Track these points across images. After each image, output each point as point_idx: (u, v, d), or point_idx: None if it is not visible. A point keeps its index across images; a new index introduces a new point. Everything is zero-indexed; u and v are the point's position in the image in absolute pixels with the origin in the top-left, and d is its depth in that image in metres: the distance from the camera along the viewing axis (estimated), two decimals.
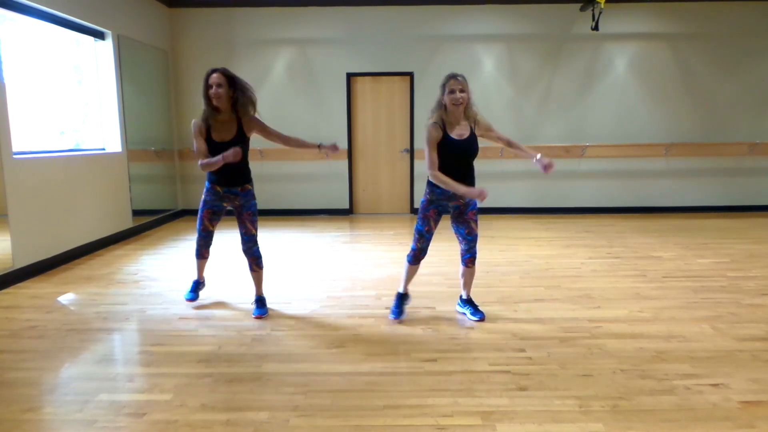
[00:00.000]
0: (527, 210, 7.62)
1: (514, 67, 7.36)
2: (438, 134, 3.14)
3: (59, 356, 2.92)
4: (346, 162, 7.56)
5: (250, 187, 3.50)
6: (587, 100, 7.41)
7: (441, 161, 3.20)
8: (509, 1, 7.18)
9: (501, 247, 5.46)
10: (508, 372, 2.68)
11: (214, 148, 3.29)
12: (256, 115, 3.38)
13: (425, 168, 3.19)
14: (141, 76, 6.48)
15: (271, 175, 7.43)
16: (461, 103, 3.12)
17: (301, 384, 2.58)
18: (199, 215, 3.55)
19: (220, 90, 3.20)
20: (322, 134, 7.44)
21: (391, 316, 3.47)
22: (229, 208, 3.54)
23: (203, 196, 3.51)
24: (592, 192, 7.60)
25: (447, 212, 3.34)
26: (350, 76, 7.40)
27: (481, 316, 3.41)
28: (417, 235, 3.33)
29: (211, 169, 3.26)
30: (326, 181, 7.61)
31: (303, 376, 2.66)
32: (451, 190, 3.12)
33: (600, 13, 6.16)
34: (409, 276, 3.48)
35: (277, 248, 5.53)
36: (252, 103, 3.33)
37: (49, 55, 5.26)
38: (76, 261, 5.05)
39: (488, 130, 3.32)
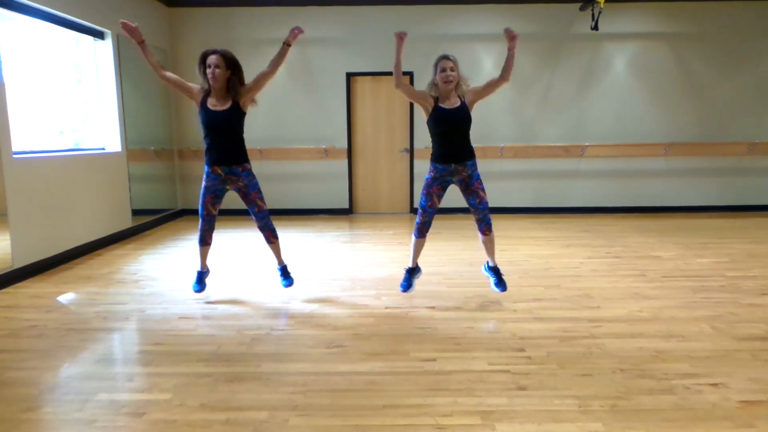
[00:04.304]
0: (526, 210, 7.61)
1: (514, 67, 7.33)
2: (428, 99, 3.47)
3: (59, 356, 2.92)
4: (345, 162, 7.56)
5: (249, 166, 3.65)
6: (587, 100, 7.41)
7: (435, 132, 3.51)
8: (509, 1, 7.18)
9: (500, 247, 5.44)
10: (507, 372, 2.68)
11: (206, 114, 3.49)
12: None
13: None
14: (141, 76, 6.47)
15: (271, 174, 7.43)
16: (451, 81, 3.41)
17: (300, 383, 2.58)
18: (200, 201, 3.64)
19: (218, 71, 3.41)
20: (321, 134, 7.47)
21: (400, 289, 3.79)
22: (231, 189, 3.67)
23: (204, 182, 3.61)
24: (591, 192, 7.60)
25: (450, 184, 3.59)
26: (350, 76, 7.40)
27: (503, 289, 3.66)
28: (421, 210, 3.58)
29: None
30: (326, 181, 7.61)
31: (302, 376, 2.66)
32: (396, 59, 3.56)
33: (600, 12, 6.16)
34: (417, 250, 3.72)
35: None
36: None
37: (48, 55, 5.25)
38: (76, 260, 5.05)
39: (479, 92, 3.53)
